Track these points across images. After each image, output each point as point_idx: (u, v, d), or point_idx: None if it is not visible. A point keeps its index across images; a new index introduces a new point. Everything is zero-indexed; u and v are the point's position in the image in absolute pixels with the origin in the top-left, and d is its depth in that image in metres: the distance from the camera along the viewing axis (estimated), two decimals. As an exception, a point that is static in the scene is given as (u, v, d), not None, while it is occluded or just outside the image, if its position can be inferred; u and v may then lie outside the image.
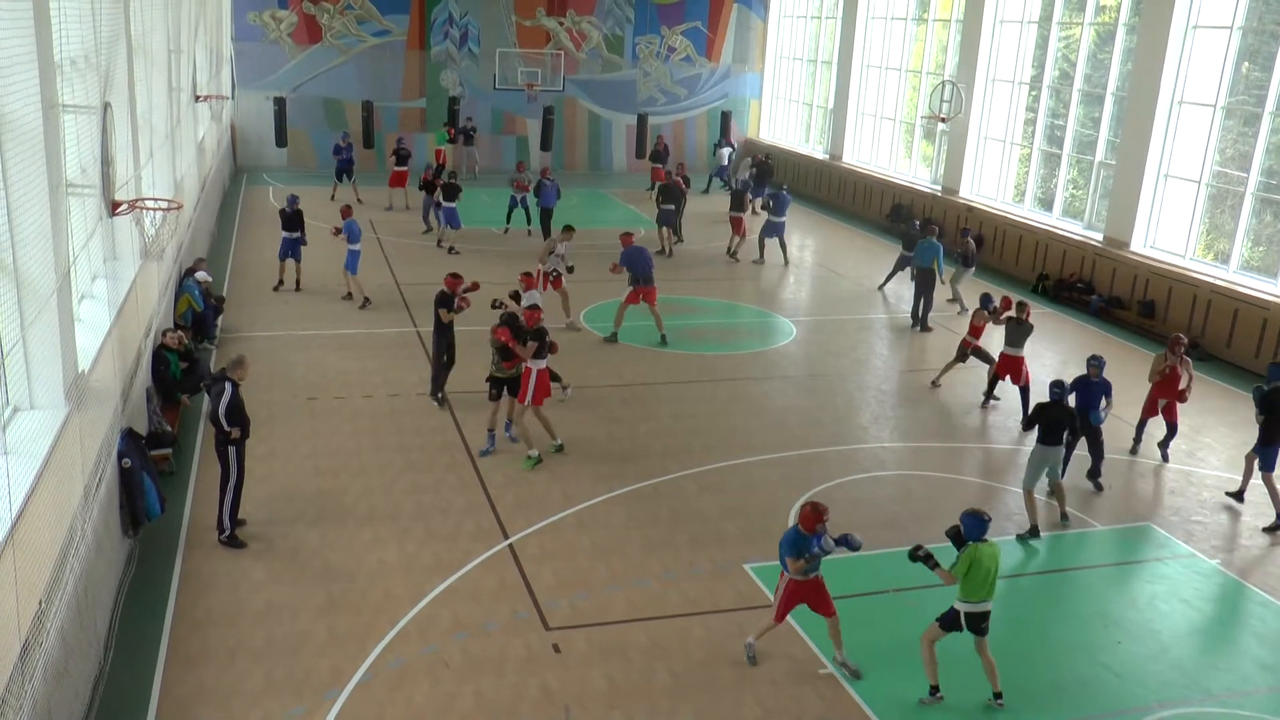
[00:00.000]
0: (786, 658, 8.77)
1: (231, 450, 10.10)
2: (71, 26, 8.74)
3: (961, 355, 15.30)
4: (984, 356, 15.27)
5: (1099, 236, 21.46)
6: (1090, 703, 8.50)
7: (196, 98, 21.14)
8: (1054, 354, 17.74)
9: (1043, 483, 11.56)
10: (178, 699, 7.92)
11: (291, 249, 18.92)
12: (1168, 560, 10.99)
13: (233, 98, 30.93)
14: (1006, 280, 22.41)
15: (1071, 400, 11.76)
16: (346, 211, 18.73)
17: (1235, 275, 18.51)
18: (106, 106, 9.69)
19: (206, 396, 10.76)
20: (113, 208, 9.85)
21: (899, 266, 21.02)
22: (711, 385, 15.27)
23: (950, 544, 8.28)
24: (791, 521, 11.16)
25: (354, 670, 8.33)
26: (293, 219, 18.79)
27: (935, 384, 15.68)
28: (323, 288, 19.29)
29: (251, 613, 9.08)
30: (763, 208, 23.71)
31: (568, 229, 17.99)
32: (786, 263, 23.17)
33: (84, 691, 7.72)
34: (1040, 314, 19.13)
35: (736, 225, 23.57)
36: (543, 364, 12.33)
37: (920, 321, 18.67)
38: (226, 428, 10.00)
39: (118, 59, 11.30)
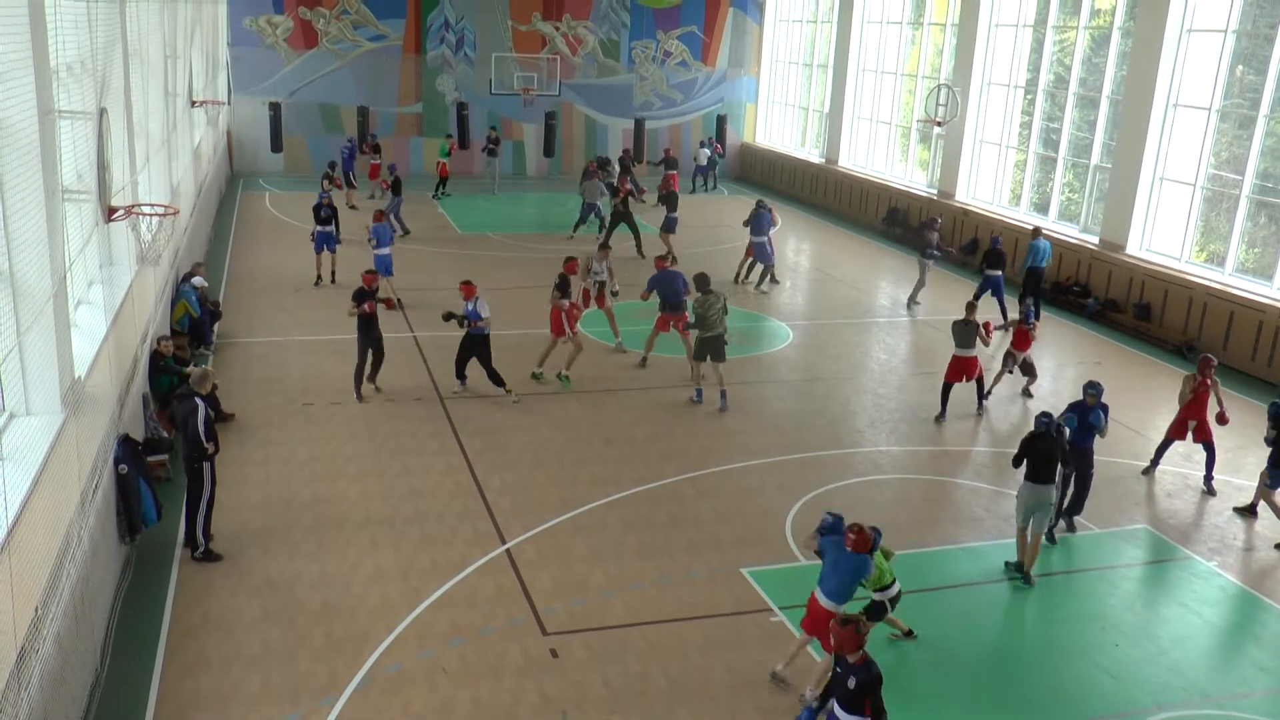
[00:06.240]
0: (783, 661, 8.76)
1: (206, 466, 9.96)
2: (68, 32, 8.72)
3: (1025, 369, 15.36)
4: (1027, 369, 15.32)
5: (1095, 240, 21.50)
6: (1088, 705, 8.50)
7: (193, 103, 21.13)
8: (1051, 358, 17.74)
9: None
10: (175, 705, 7.91)
11: (326, 242, 20.06)
12: (1165, 563, 11.01)
13: (229, 103, 30.92)
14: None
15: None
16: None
17: (1231, 278, 18.55)
18: (103, 112, 9.66)
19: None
20: (109, 213, 9.82)
21: (987, 287, 19.20)
22: (707, 389, 15.25)
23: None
24: (789, 525, 11.19)
25: (351, 676, 8.32)
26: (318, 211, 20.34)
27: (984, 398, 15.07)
28: (325, 286, 19.44)
29: (248, 619, 9.07)
30: (744, 224, 22.35)
31: (603, 247, 17.89)
32: (760, 288, 21.24)
33: (81, 698, 7.71)
34: (1036, 317, 19.15)
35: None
36: (565, 303, 14.85)
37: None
38: (205, 444, 9.91)
39: (114, 64, 11.28)
